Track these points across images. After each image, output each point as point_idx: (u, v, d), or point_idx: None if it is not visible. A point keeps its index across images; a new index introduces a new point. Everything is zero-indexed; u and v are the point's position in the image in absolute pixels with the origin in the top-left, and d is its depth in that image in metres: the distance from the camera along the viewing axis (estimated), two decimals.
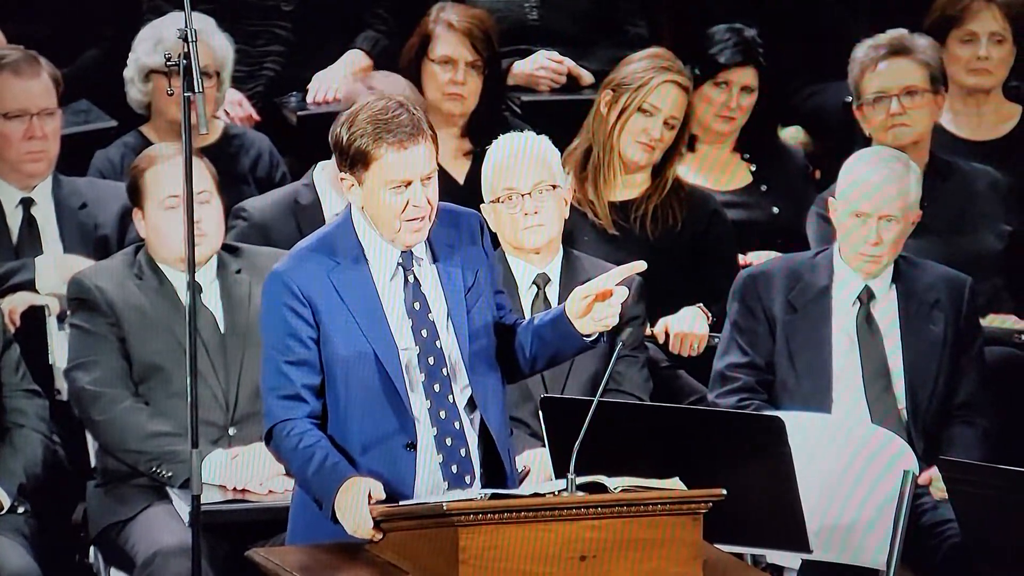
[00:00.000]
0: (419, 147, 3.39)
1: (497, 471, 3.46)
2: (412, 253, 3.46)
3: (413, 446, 3.42)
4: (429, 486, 3.43)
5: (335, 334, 3.41)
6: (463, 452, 3.44)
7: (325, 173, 4.63)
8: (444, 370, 3.44)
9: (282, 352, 3.40)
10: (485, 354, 3.45)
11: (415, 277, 3.45)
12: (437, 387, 3.43)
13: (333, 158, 3.45)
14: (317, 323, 3.41)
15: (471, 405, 3.46)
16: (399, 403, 3.41)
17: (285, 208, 4.58)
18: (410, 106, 3.41)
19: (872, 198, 4.28)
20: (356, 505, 3.33)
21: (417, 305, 3.44)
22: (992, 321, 4.68)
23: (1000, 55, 5.02)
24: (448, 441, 3.43)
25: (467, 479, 3.45)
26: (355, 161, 3.41)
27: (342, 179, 3.44)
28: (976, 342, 4.38)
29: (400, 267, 3.45)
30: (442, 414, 3.44)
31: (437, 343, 3.44)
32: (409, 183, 3.39)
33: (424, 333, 3.44)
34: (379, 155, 3.39)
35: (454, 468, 3.44)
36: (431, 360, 3.43)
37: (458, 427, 3.44)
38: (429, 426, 3.43)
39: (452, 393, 3.44)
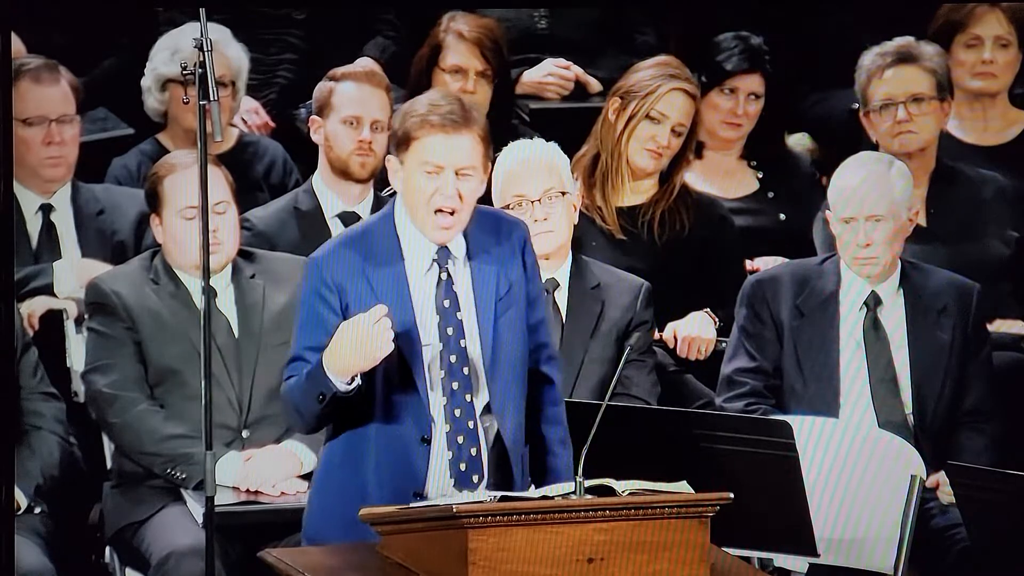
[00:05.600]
0: (462, 137, 3.42)
1: (506, 478, 3.49)
2: (448, 250, 3.49)
3: (428, 441, 3.46)
4: (440, 481, 3.47)
5: None
6: (473, 452, 3.47)
7: (323, 178, 4.68)
8: (465, 370, 3.47)
9: (307, 336, 3.47)
10: (510, 364, 3.48)
11: (449, 275, 3.48)
12: (456, 385, 3.47)
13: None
14: (344, 313, 3.45)
15: (489, 409, 3.49)
16: (417, 397, 3.46)
17: (286, 215, 4.62)
18: (466, 102, 3.46)
19: (854, 202, 4.30)
20: (360, 329, 3.33)
21: (447, 303, 3.48)
22: (999, 327, 4.69)
23: (1005, 59, 5.02)
24: (460, 439, 3.47)
25: (474, 479, 3.48)
26: (400, 141, 3.46)
27: (389, 161, 3.48)
28: (984, 349, 4.38)
29: (435, 263, 3.49)
30: (457, 412, 3.47)
31: (462, 343, 3.47)
32: (442, 169, 3.42)
33: (450, 331, 3.47)
34: (420, 135, 3.43)
35: (462, 466, 3.48)
36: (453, 359, 3.46)
37: (472, 427, 3.47)
38: (444, 423, 3.47)
39: (471, 394, 3.48)
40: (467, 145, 3.43)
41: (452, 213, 3.44)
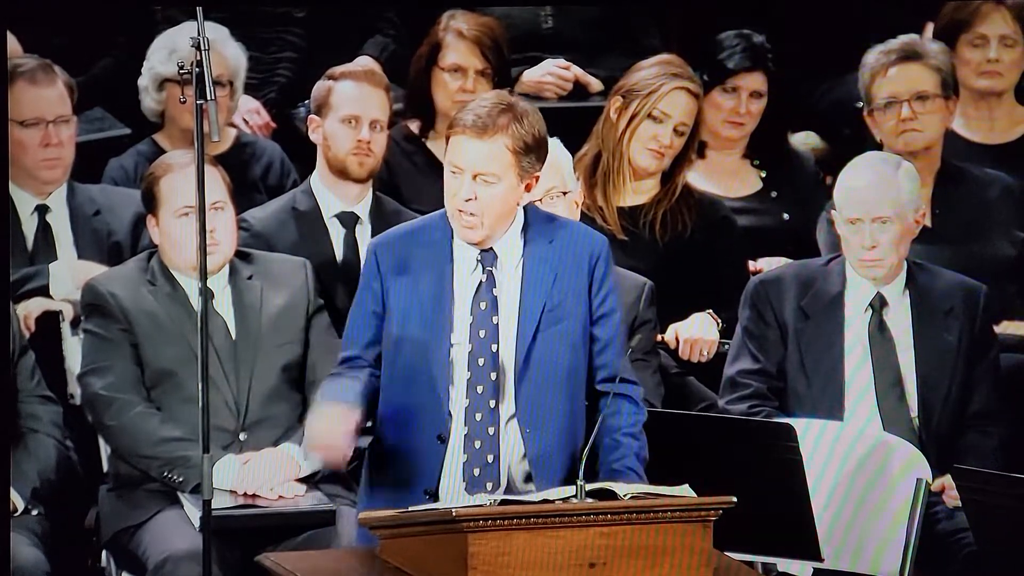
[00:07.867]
0: (484, 143, 3.40)
1: (528, 491, 3.45)
2: (495, 253, 3.48)
3: (444, 439, 3.44)
4: (453, 482, 3.46)
5: (397, 314, 3.46)
6: (490, 459, 3.45)
7: (321, 178, 4.65)
8: (493, 375, 3.44)
9: (354, 329, 3.51)
10: (548, 377, 3.43)
11: (492, 277, 3.46)
12: (480, 389, 3.44)
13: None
14: (384, 300, 3.46)
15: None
16: (436, 394, 3.43)
17: (284, 215, 4.60)
18: (516, 107, 3.42)
19: (861, 203, 4.26)
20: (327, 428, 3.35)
21: (483, 305, 3.46)
22: (1006, 328, 4.66)
23: (1011, 58, 4.99)
24: (477, 444, 3.45)
25: (488, 486, 3.46)
26: (445, 137, 3.49)
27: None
28: (991, 351, 4.35)
29: (479, 264, 3.47)
30: (478, 416, 3.45)
31: (493, 347, 3.44)
32: (462, 171, 3.42)
33: (482, 334, 3.45)
34: (451, 134, 3.46)
35: (476, 471, 3.46)
36: (481, 361, 3.44)
37: (492, 433, 3.45)
38: (462, 424, 3.45)
39: (496, 400, 3.45)
40: (489, 151, 3.40)
41: (473, 215, 3.42)
